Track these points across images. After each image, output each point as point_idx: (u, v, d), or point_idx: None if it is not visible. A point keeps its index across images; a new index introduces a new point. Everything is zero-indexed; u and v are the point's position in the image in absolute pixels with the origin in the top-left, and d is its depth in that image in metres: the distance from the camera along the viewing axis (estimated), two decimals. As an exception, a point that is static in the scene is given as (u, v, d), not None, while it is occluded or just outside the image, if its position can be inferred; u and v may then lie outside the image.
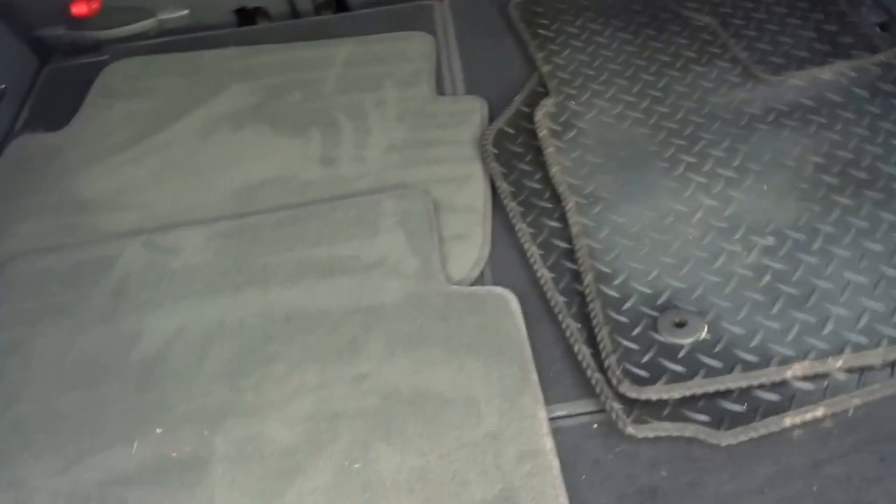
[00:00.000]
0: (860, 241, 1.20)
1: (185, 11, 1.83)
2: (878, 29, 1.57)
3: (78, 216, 1.41)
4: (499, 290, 1.19)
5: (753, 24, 1.61)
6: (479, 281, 1.23)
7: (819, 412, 1.02)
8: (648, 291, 1.17)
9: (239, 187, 1.43)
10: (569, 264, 1.22)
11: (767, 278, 1.17)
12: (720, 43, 1.57)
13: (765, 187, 1.29)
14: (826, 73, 1.46)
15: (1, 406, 1.13)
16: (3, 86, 1.59)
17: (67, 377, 1.15)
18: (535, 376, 1.08)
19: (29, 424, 1.11)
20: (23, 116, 1.66)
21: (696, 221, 1.26)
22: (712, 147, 1.37)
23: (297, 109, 1.57)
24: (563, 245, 1.25)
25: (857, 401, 1.03)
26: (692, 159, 1.35)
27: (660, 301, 1.16)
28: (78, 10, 1.71)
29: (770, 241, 1.22)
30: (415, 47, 1.67)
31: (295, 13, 1.90)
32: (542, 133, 1.42)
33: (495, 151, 1.40)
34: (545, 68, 1.56)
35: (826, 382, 1.05)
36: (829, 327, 1.10)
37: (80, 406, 1.12)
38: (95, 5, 1.72)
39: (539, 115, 1.45)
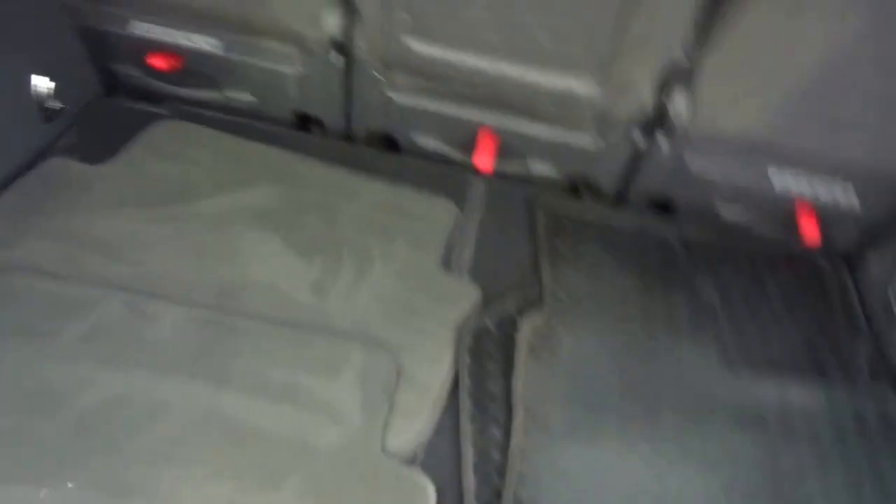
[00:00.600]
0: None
1: (251, 98, 2.15)
2: (866, 367, 1.84)
3: (80, 251, 1.67)
4: (422, 477, 1.41)
5: (753, 318, 1.90)
6: (410, 460, 1.45)
7: None
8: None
9: (231, 281, 1.69)
10: (496, 478, 1.45)
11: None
12: (715, 319, 1.87)
13: (707, 478, 1.53)
14: (799, 397, 1.73)
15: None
16: (62, 106, 1.88)
17: (10, 399, 1.37)
18: None
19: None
20: (67, 139, 1.95)
21: (631, 483, 1.49)
22: (671, 419, 1.62)
23: (310, 230, 1.85)
24: (498, 457, 1.48)
25: None
26: (648, 423, 1.60)
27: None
28: (155, 62, 2.05)
29: None
30: (437, 213, 1.97)
31: (348, 135, 2.22)
32: (521, 344, 1.68)
33: (471, 343, 1.65)
34: (547, 281, 1.85)
35: None
36: None
37: (11, 430, 1.33)
38: (174, 63, 2.04)
39: (524, 326, 1.72)
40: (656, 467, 1.53)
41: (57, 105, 1.88)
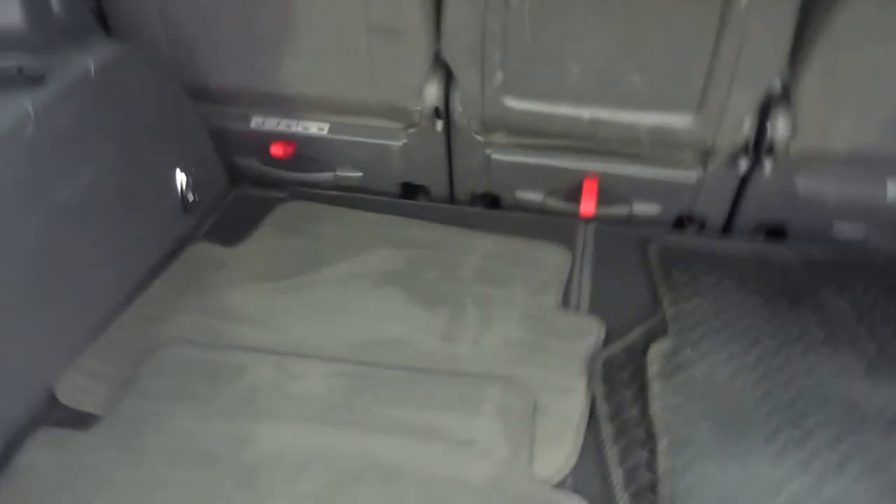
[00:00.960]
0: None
1: (360, 174, 2.31)
2: None
3: (227, 323, 1.82)
4: (576, 499, 1.43)
5: (891, 320, 1.86)
6: (561, 486, 1.48)
7: None
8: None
9: (364, 339, 1.79)
10: (649, 496, 1.45)
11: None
12: (851, 332, 1.84)
13: (865, 484, 1.49)
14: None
15: (127, 459, 1.48)
16: (197, 199, 2.07)
17: (184, 454, 1.50)
18: None
19: (141, 485, 1.44)
20: (205, 227, 2.16)
21: (786, 495, 1.46)
22: (818, 430, 1.59)
23: (432, 285, 1.95)
24: (646, 476, 1.49)
25: None
26: (795, 434, 1.58)
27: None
28: (276, 151, 2.23)
29: None
30: (551, 258, 2.04)
31: (452, 198, 2.33)
32: (652, 368, 1.70)
33: (603, 372, 1.68)
34: (670, 310, 1.87)
35: None
36: None
37: (186, 482, 1.44)
38: (290, 150, 2.22)
39: (653, 351, 1.74)
40: (810, 477, 1.50)
41: (193, 197, 2.08)
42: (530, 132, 2.17)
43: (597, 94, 2.02)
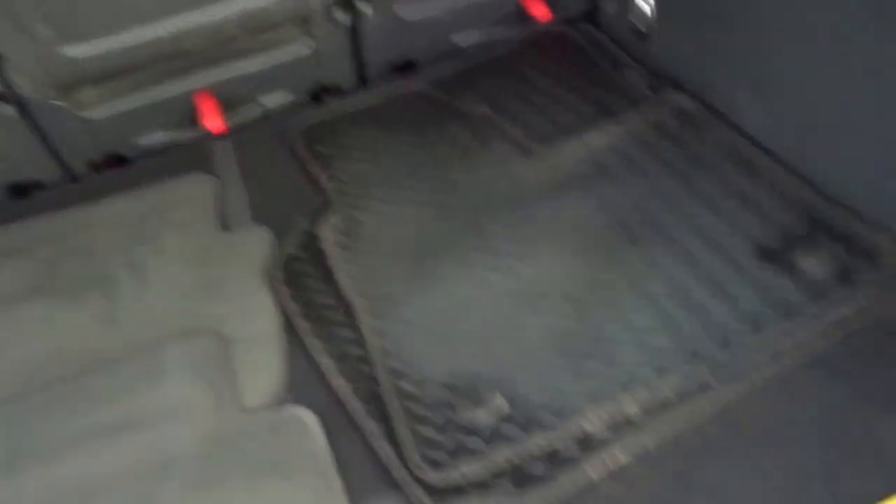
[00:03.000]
0: (643, 288, 1.43)
1: None
2: (646, 91, 1.89)
3: None
4: (294, 409, 1.34)
5: (528, 105, 1.92)
6: (277, 405, 1.36)
7: (620, 455, 1.20)
8: (446, 378, 1.34)
9: (21, 369, 1.53)
10: (366, 369, 1.38)
11: (560, 341, 1.37)
12: (497, 128, 1.87)
13: (550, 255, 1.53)
14: (597, 139, 1.76)
15: None
16: None
17: None
18: (338, 484, 1.23)
19: None
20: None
21: (488, 301, 1.47)
22: (497, 227, 1.61)
23: (72, 278, 1.71)
24: (358, 352, 1.42)
25: (653, 437, 1.21)
26: (478, 242, 1.58)
27: (459, 386, 1.33)
28: None
29: (559, 303, 1.43)
30: (191, 190, 1.87)
31: (72, 176, 2.06)
32: (329, 248, 1.62)
33: (283, 276, 1.58)
34: (330, 186, 1.79)
35: (623, 426, 1.24)
36: (620, 372, 1.29)
37: None
38: None
39: (324, 230, 1.66)
40: (502, 269, 1.52)
41: None
42: (116, 75, 1.95)
43: (163, 5, 1.84)
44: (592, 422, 1.23)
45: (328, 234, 1.64)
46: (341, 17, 2.01)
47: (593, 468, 1.19)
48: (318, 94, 2.17)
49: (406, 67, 2.19)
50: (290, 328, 1.49)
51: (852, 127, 1.41)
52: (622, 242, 1.51)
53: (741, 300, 1.36)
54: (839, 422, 1.18)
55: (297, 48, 2.01)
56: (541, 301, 1.44)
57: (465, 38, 2.17)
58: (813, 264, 1.38)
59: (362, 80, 2.18)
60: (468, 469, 1.19)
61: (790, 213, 1.48)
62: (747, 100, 1.65)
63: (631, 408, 1.24)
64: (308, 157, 1.91)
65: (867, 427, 1.16)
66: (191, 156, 1.99)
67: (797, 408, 1.21)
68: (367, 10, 2.01)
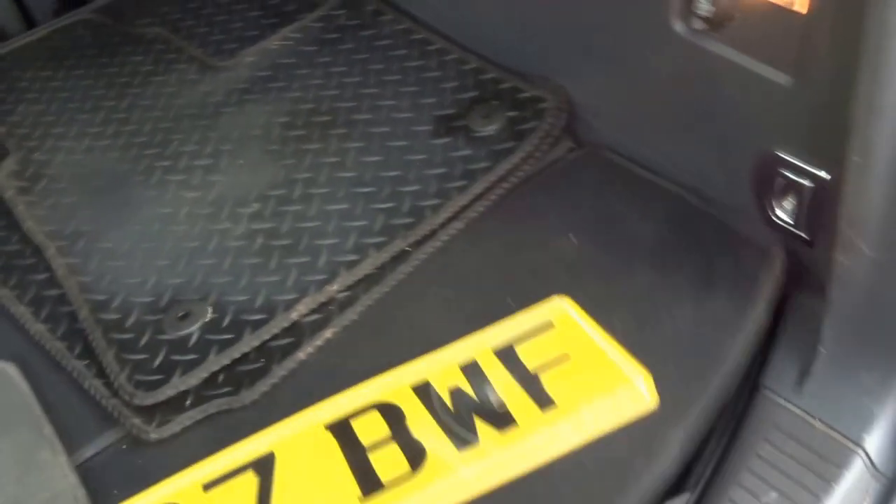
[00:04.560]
0: (334, 175, 1.47)
1: None
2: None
3: None
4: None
5: (203, 20, 1.88)
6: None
7: (330, 335, 1.25)
8: (148, 300, 1.32)
9: None
10: (65, 309, 1.33)
11: (260, 241, 1.38)
12: (174, 48, 1.82)
13: (241, 162, 1.53)
14: (275, 43, 1.75)
15: None
16: None
17: None
18: (49, 430, 1.18)
19: None
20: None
21: (183, 217, 1.45)
22: (184, 145, 1.58)
23: None
24: (55, 293, 1.36)
25: (360, 309, 1.27)
26: (167, 163, 1.55)
27: (162, 304, 1.32)
28: None
29: (255, 206, 1.44)
30: None
31: None
32: (9, 194, 1.53)
33: (-44, 233, 1.47)
34: (1, 131, 1.66)
35: (332, 308, 1.28)
36: (322, 259, 1.34)
37: None
38: None
39: (0, 177, 1.54)
40: (194, 183, 1.50)
41: None
42: None
43: None
44: (301, 312, 1.27)
45: (4, 181, 1.54)
46: None
47: (305, 352, 1.23)
48: None
49: (74, 1, 2.05)
50: (-19, 293, 1.40)
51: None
52: (310, 138, 1.54)
53: (425, 169, 1.44)
54: (517, 252, 1.31)
55: None
56: (238, 208, 1.44)
57: None
58: (486, 125, 1.49)
59: (29, 21, 2.03)
60: (181, 382, 1.19)
61: (463, 85, 1.57)
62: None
63: (336, 291, 1.29)
64: None
65: (540, 252, 1.30)
66: None
67: (483, 250, 1.32)
68: None
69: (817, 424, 1.10)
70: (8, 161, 1.59)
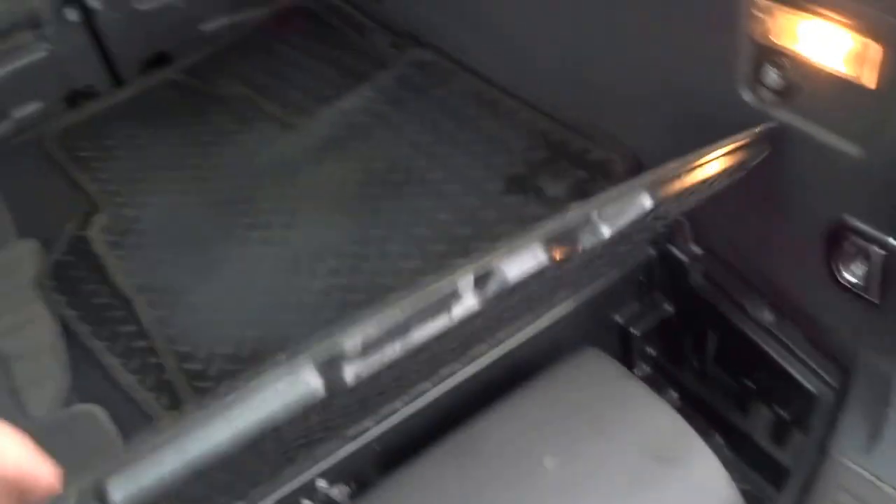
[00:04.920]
0: (409, 232, 1.52)
1: None
2: (390, 49, 1.98)
3: None
4: (81, 407, 1.34)
5: (281, 79, 1.98)
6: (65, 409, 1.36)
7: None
8: (231, 351, 1.39)
9: None
10: (153, 360, 1.40)
11: (338, 296, 1.44)
12: (256, 107, 1.91)
13: (318, 219, 1.60)
14: (351, 101, 1.83)
15: None
16: None
17: None
18: None
19: None
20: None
21: (264, 272, 1.52)
22: (264, 201, 1.66)
23: None
24: (143, 344, 1.43)
25: None
26: (248, 219, 1.63)
27: (243, 355, 1.38)
28: None
29: (332, 262, 1.50)
30: None
31: None
32: (100, 248, 1.61)
33: (55, 284, 1.55)
34: (92, 187, 1.77)
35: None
36: (394, 314, 1.38)
37: None
38: None
39: (93, 231, 1.65)
40: (273, 240, 1.58)
41: None
42: None
43: None
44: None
45: (97, 235, 1.63)
46: (72, 14, 1.98)
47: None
48: (74, 99, 2.11)
49: (160, 61, 2.17)
50: (70, 334, 1.48)
51: (580, 60, 1.55)
52: (384, 195, 1.60)
53: (496, 227, 1.48)
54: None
55: (32, 53, 1.97)
56: (316, 264, 1.50)
57: (212, 24, 2.19)
58: (555, 185, 1.53)
59: (116, 78, 2.14)
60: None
61: (533, 145, 1.62)
62: (478, 46, 1.78)
63: None
64: (68, 162, 1.87)
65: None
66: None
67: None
68: (95, 4, 2.00)
69: (886, 489, 1.10)
70: (99, 216, 1.69)
